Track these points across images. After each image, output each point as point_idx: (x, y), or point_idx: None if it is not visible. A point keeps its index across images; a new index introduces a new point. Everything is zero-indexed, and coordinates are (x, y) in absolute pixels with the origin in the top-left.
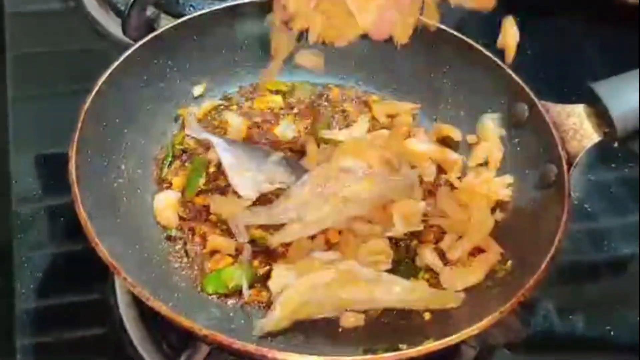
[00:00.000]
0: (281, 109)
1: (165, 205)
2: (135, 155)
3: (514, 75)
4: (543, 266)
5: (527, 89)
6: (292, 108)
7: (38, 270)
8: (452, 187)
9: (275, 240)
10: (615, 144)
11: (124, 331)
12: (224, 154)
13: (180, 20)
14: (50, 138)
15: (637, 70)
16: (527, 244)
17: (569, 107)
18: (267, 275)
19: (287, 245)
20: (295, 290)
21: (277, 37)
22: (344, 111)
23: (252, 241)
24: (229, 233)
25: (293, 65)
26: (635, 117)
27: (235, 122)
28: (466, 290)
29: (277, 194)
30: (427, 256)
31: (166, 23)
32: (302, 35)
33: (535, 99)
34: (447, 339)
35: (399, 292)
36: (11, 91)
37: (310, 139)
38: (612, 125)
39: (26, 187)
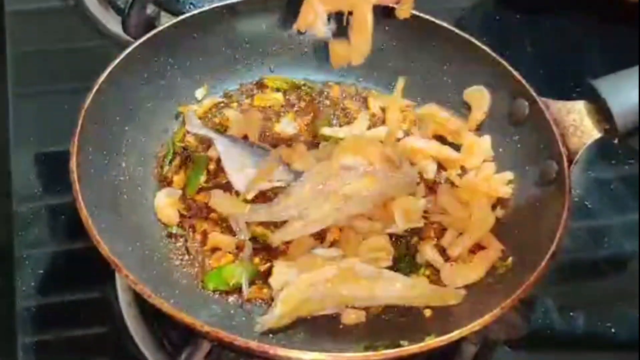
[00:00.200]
0: (282, 106)
1: (166, 202)
2: (136, 152)
3: (514, 71)
4: (543, 263)
5: (527, 86)
6: (292, 105)
7: (39, 269)
8: (453, 184)
9: (276, 238)
10: (616, 141)
11: (125, 329)
12: (223, 150)
13: (180, 18)
14: (51, 136)
15: (638, 67)
16: (527, 241)
17: (569, 104)
18: (268, 272)
19: (287, 242)
20: (296, 287)
21: None
22: (344, 108)
23: (253, 238)
24: (229, 230)
25: (295, 63)
26: (635, 114)
27: (236, 119)
28: (467, 287)
29: (276, 191)
30: (428, 253)
31: (166, 21)
32: None
33: (536, 96)
34: (448, 335)
35: (399, 289)
36: (12, 89)
37: (300, 145)
38: (613, 122)
39: (27, 185)
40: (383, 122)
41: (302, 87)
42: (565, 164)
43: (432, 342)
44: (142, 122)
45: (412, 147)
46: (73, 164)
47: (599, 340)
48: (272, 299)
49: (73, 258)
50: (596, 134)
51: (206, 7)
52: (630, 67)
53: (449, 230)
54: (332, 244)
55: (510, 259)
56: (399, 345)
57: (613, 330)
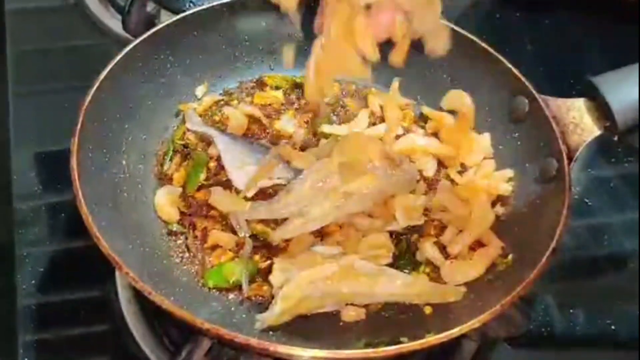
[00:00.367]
0: (281, 104)
1: (167, 200)
2: (136, 150)
3: (514, 69)
4: (544, 260)
5: (527, 83)
6: (292, 103)
7: (39, 267)
8: (453, 182)
9: (276, 236)
10: (615, 138)
11: (125, 326)
12: (223, 148)
13: (180, 16)
14: (51, 134)
15: (637, 65)
16: (527, 238)
17: (569, 101)
18: (268, 270)
19: (287, 240)
20: (296, 284)
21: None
22: (344, 106)
23: (253, 236)
24: (229, 228)
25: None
26: (635, 111)
27: (236, 117)
28: (467, 284)
29: (277, 189)
30: (428, 250)
31: (166, 19)
32: None
33: (536, 93)
34: (448, 332)
35: (399, 286)
36: (12, 88)
37: (288, 148)
38: (612, 119)
39: (27, 183)
40: (383, 120)
41: (302, 85)
42: (565, 161)
43: (432, 339)
44: (142, 120)
45: (412, 145)
46: (73, 161)
47: (599, 337)
48: (272, 297)
49: (73, 256)
50: (596, 132)
51: (206, 5)
52: (630, 64)
53: (449, 227)
54: (332, 241)
55: (510, 256)
56: (399, 342)
57: (613, 327)
